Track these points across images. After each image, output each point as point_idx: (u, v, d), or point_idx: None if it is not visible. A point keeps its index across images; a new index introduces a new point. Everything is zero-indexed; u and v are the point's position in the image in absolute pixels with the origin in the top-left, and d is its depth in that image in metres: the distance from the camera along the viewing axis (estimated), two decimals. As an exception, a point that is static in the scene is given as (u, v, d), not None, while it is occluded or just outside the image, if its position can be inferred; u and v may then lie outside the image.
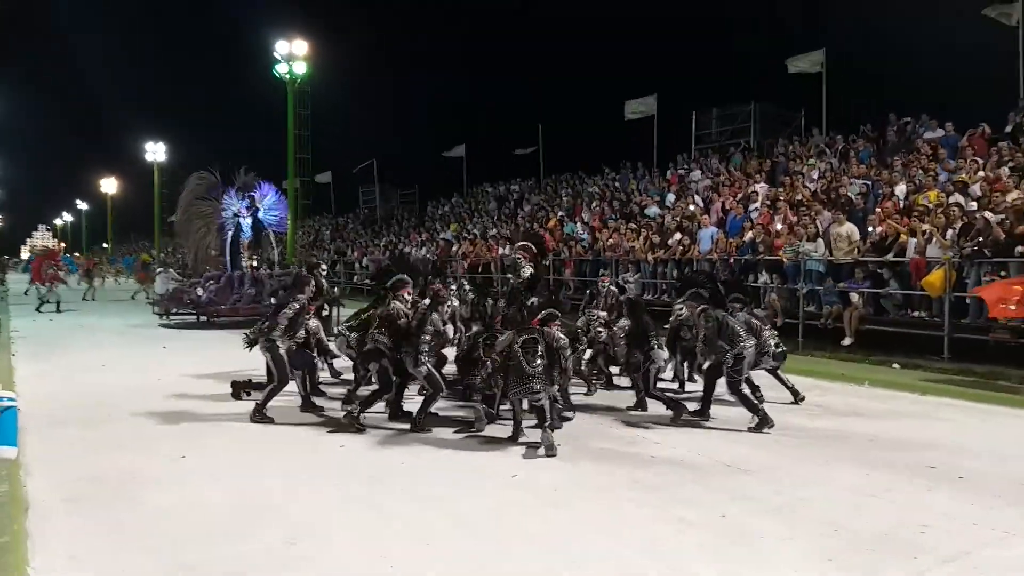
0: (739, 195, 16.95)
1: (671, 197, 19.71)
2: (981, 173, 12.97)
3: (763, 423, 7.05)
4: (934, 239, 10.86)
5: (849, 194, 14.11)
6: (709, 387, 7.60)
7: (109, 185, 57.14)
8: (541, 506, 5.10)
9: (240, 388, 8.62)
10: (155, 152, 46.66)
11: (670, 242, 15.74)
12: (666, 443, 6.69)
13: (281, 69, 32.57)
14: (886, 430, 7.20)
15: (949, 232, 10.88)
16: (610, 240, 17.45)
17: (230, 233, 18.36)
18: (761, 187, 16.79)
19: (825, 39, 21.49)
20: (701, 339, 7.63)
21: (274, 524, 4.75)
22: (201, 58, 47.87)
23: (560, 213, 22.63)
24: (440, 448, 6.55)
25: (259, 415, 7.47)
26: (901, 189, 13.67)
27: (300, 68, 32.37)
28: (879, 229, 11.88)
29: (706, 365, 7.70)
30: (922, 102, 18.13)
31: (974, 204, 11.16)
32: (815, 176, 16.58)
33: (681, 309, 8.56)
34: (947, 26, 19.34)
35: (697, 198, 18.23)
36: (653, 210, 19.04)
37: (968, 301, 10.59)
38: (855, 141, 17.85)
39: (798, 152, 18.79)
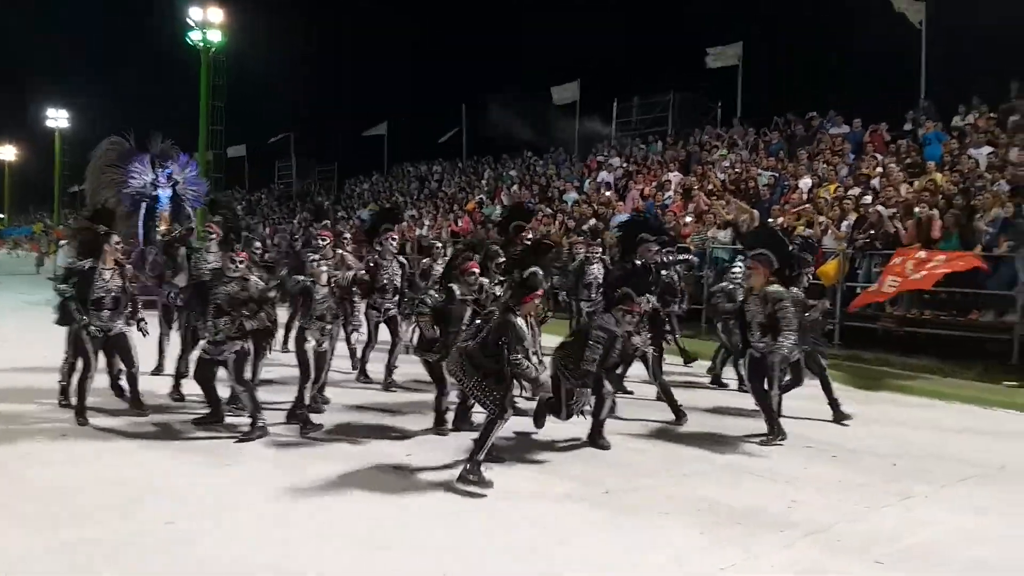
0: (654, 183, 17.32)
1: (588, 183, 19.98)
2: (879, 169, 13.61)
3: (773, 436, 6.28)
4: (829, 230, 11.34)
5: (757, 185, 14.61)
6: (762, 396, 6.40)
7: (6, 152, 54.01)
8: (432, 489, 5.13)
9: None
10: (57, 119, 44.36)
11: (584, 227, 15.95)
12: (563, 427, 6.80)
13: (195, 37, 31.37)
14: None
15: (844, 224, 11.38)
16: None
17: (144, 204, 17.40)
18: (675, 175, 17.18)
19: (744, 33, 21.99)
20: (743, 319, 6.52)
21: (156, 504, 4.63)
22: (109, 22, 45.59)
23: (480, 196, 22.62)
24: (339, 433, 6.48)
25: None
26: (806, 182, 14.21)
27: (215, 36, 31.25)
28: (780, 220, 12.33)
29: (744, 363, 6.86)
30: (832, 98, 18.83)
31: (867, 199, 11.68)
32: (726, 166, 17.07)
33: (736, 275, 7.71)
34: (859, 25, 20.09)
35: (611, 185, 18.51)
36: (571, 196, 19.25)
37: (859, 291, 11.13)
38: (766, 134, 18.43)
39: (712, 143, 19.29)
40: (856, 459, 5.98)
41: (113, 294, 6.56)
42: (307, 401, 6.48)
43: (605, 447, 5.99)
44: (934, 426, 7.37)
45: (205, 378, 6.30)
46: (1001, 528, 4.62)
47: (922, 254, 9.70)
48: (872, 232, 10.76)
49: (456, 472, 5.06)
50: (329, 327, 6.66)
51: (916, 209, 10.51)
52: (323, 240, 8.48)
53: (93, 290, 6.45)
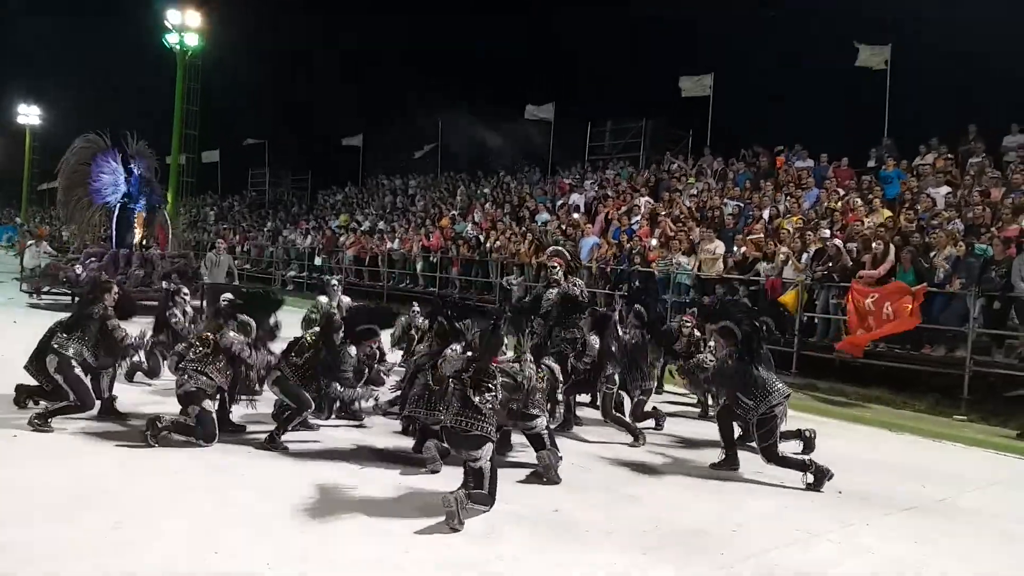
0: (623, 207, 17.54)
1: (560, 204, 20.17)
2: (839, 203, 13.94)
3: (820, 478, 6.08)
4: (790, 261, 11.58)
5: (723, 214, 14.88)
6: (727, 430, 6.57)
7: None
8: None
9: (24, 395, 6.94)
10: (28, 115, 43.71)
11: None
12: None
13: (172, 40, 31.21)
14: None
15: (804, 256, 11.64)
16: (497, 242, 17.67)
17: (118, 205, 16.61)
18: (644, 200, 17.42)
19: (715, 64, 22.43)
20: (718, 380, 6.88)
21: (103, 508, 4.61)
22: (84, 20, 45.01)
23: (452, 212, 22.70)
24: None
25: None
26: (768, 213, 14.50)
27: (192, 40, 31.12)
28: (742, 249, 12.57)
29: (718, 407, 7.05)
30: (798, 132, 19.27)
31: (827, 232, 11.97)
32: (694, 194, 17.34)
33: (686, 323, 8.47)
34: (826, 62, 20.65)
35: (581, 207, 18.72)
36: (543, 216, 19.40)
37: (816, 321, 11.40)
38: (734, 164, 18.77)
39: (682, 170, 19.60)
40: (802, 487, 6.10)
41: None
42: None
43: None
44: (883, 456, 7.57)
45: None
46: (935, 559, 4.75)
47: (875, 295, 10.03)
48: (830, 264, 11.02)
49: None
50: None
51: (873, 244, 10.79)
52: None
53: None
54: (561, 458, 5.82)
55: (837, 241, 11.29)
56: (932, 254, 10.38)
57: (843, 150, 17.09)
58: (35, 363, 6.45)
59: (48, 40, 39.42)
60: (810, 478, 6.08)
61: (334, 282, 6.39)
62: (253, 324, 6.30)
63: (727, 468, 6.41)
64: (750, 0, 24.31)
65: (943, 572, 4.58)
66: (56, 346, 6.25)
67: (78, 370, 6.29)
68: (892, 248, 10.65)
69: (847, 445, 7.86)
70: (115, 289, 6.68)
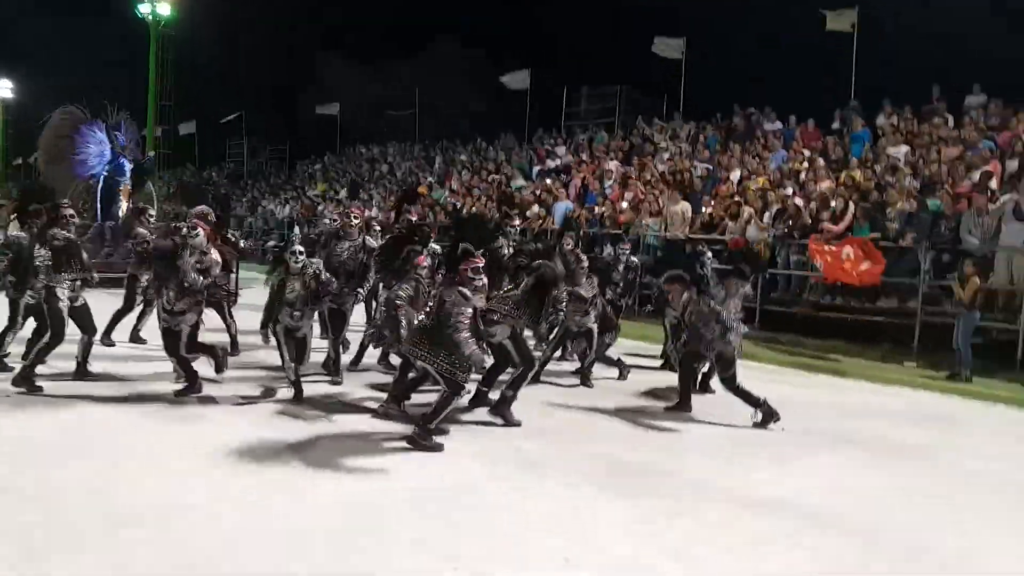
0: (596, 172, 17.86)
1: (536, 170, 20.45)
2: (806, 164, 14.31)
3: (768, 418, 6.52)
4: (753, 221, 11.99)
5: (692, 177, 15.23)
6: (686, 377, 7.09)
7: (-55, 120, 52.16)
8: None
9: None
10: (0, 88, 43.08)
11: (528, 214, 16.42)
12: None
13: (144, 9, 30.92)
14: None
15: (767, 215, 12.04)
16: (473, 208, 17.95)
17: (103, 176, 16.30)
18: (615, 165, 17.74)
19: (687, 28, 22.64)
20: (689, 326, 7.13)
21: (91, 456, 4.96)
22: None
23: (430, 179, 22.92)
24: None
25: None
26: (736, 175, 14.87)
27: (165, 10, 30.84)
28: (708, 210, 12.96)
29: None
30: (769, 95, 19.60)
31: (788, 191, 12.37)
32: (666, 158, 17.67)
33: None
34: (796, 26, 20.92)
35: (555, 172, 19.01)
36: (519, 182, 19.68)
37: (779, 278, 11.84)
38: (705, 128, 19.09)
39: (655, 135, 19.90)
40: (751, 429, 6.53)
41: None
42: (291, 378, 6.65)
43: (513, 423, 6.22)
44: (832, 400, 8.00)
45: (174, 349, 6.53)
46: (855, 486, 5.18)
47: (832, 247, 10.42)
48: (790, 222, 11.43)
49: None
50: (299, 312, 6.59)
51: (832, 203, 11.21)
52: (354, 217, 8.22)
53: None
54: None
55: (797, 200, 11.70)
56: (887, 210, 10.80)
57: (813, 112, 17.48)
58: None
59: (17, 12, 38.77)
60: (759, 416, 6.52)
61: (297, 248, 6.46)
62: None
63: (680, 410, 6.85)
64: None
65: (866, 487, 5.05)
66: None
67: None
68: (851, 205, 11.06)
69: (802, 391, 8.30)
70: None
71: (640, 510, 4.44)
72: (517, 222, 14.42)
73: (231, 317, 8.51)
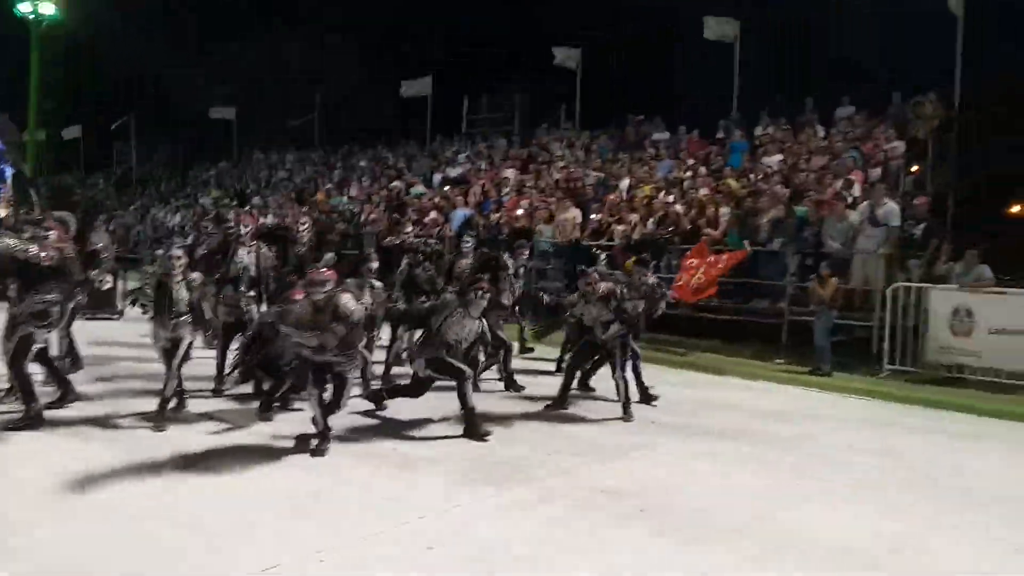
0: (495, 180, 18.18)
1: (437, 177, 20.61)
2: (689, 172, 15.02)
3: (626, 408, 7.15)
4: (638, 227, 12.53)
5: (584, 184, 15.74)
6: (570, 376, 7.53)
7: None
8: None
9: None
10: None
11: (426, 220, 16.55)
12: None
13: (24, 8, 29.46)
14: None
15: (650, 221, 12.60)
16: (372, 215, 17.96)
17: None
18: (512, 173, 18.12)
19: (584, 38, 23.28)
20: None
21: None
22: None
23: (328, 185, 22.74)
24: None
25: None
26: (625, 183, 15.46)
27: (48, 9, 29.47)
28: (597, 217, 13.45)
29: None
30: (659, 106, 20.42)
31: (670, 199, 12.99)
32: (561, 166, 18.15)
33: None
34: (684, 37, 21.81)
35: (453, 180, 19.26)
36: (418, 189, 19.79)
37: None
38: (598, 136, 19.73)
39: (550, 143, 20.40)
40: (622, 423, 6.93)
41: None
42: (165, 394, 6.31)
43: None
44: (704, 396, 8.51)
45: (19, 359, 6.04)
46: (706, 473, 5.63)
47: (710, 258, 11.04)
48: (672, 228, 12.02)
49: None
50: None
51: (707, 209, 11.86)
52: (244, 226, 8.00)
53: None
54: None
55: (677, 207, 12.31)
56: (760, 216, 11.51)
57: (700, 123, 18.35)
58: None
59: None
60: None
61: (177, 253, 6.31)
62: None
63: (557, 408, 7.17)
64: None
65: (726, 474, 5.50)
66: None
67: None
68: (725, 212, 11.74)
69: (680, 390, 8.75)
70: None
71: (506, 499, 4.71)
72: (409, 229, 14.59)
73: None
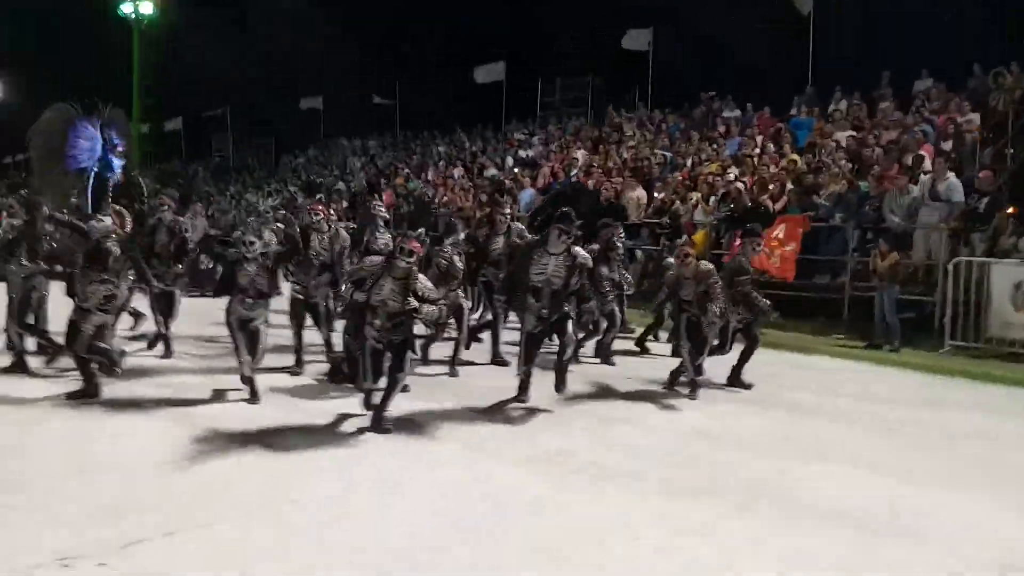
0: (564, 161, 18.53)
1: (510, 160, 21.12)
2: (757, 150, 14.99)
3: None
4: (699, 205, 12.69)
5: (651, 164, 15.92)
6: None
7: (-68, 120, 52.44)
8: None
9: None
10: (-13, 88, 43.47)
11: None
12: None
13: (126, 9, 31.39)
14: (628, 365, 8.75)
15: (712, 200, 12.74)
16: (445, 198, 18.62)
17: (94, 170, 16.89)
18: (581, 154, 18.42)
19: (653, 19, 23.25)
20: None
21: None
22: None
23: (406, 170, 23.57)
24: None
25: None
26: (691, 161, 15.56)
27: (147, 9, 31.34)
28: (661, 195, 13.66)
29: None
30: (729, 84, 20.27)
31: (731, 176, 13.07)
32: (631, 146, 18.34)
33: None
34: (757, 14, 21.51)
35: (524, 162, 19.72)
36: (492, 172, 20.35)
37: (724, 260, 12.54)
38: (669, 116, 19.78)
39: (622, 124, 20.57)
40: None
41: None
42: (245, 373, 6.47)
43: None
44: (762, 370, 8.26)
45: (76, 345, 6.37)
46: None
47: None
48: (732, 206, 12.13)
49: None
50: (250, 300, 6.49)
51: (770, 186, 11.92)
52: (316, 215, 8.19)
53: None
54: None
55: (739, 184, 12.40)
56: (821, 192, 11.51)
57: (771, 99, 18.17)
58: None
59: (1, 14, 39.04)
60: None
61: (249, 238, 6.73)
62: None
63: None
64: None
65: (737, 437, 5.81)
66: None
67: None
68: (787, 188, 11.78)
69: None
70: None
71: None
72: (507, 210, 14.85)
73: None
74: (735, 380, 7.60)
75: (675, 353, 8.09)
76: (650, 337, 9.67)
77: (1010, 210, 9.65)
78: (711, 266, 7.40)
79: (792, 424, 6.45)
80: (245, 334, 6.44)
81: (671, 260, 8.41)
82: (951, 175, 10.37)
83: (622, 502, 4.50)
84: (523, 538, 3.97)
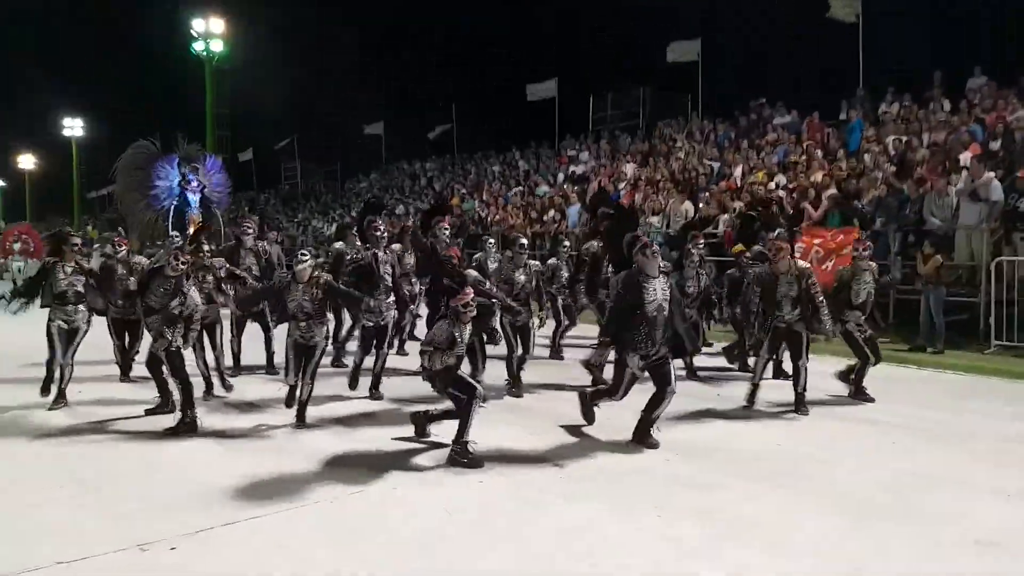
0: (612, 175, 18.90)
1: (560, 177, 21.59)
2: (804, 156, 15.05)
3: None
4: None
5: (698, 174, 16.14)
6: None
7: (26, 161, 56.15)
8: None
9: None
10: (72, 127, 46.38)
11: (545, 218, 17.57)
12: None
13: (198, 47, 33.11)
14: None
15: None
16: (497, 216, 19.20)
17: (172, 206, 17.17)
18: (631, 167, 18.75)
19: (701, 29, 23.47)
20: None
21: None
22: (114, 34, 47.01)
23: (462, 190, 24.28)
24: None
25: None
26: (739, 170, 15.72)
27: (217, 47, 32.97)
28: (703, 205, 13.90)
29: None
30: (779, 90, 20.30)
31: (772, 185, 13.21)
32: (680, 157, 18.57)
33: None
34: (804, 19, 21.48)
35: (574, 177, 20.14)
36: (543, 189, 20.85)
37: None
38: (716, 126, 19.92)
39: (671, 135, 20.81)
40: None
41: (76, 289, 7.25)
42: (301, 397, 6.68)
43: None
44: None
45: (155, 367, 6.69)
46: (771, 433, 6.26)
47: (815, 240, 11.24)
48: (771, 212, 12.30)
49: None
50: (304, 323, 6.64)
51: (809, 192, 12.05)
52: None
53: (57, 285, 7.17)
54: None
55: (780, 192, 12.55)
56: (860, 197, 11.59)
57: (822, 104, 18.15)
58: None
59: (84, 55, 41.77)
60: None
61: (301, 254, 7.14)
62: None
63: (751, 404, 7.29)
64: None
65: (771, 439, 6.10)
66: None
67: None
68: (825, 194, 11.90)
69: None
70: None
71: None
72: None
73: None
74: (858, 390, 7.58)
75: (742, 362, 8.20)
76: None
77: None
78: (807, 265, 7.37)
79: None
80: (301, 355, 6.64)
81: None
82: (990, 174, 10.33)
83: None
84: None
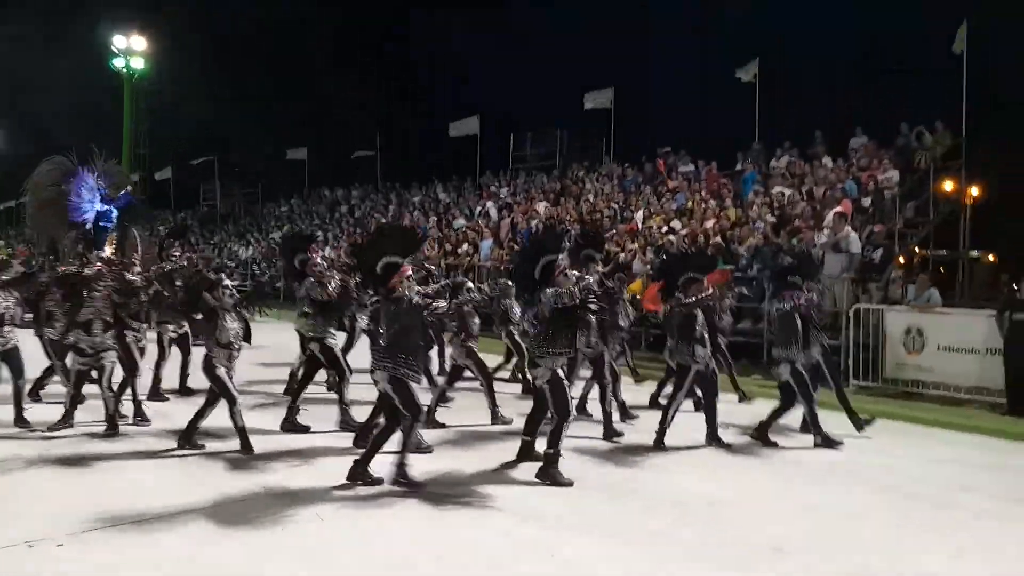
0: (526, 213, 19.69)
1: (477, 211, 22.28)
2: (699, 205, 16.14)
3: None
4: (637, 256, 13.79)
5: (602, 216, 17.06)
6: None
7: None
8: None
9: None
10: (-18, 138, 44.62)
11: (459, 251, 18.19)
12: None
13: (118, 63, 32.70)
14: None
15: (649, 251, 13.85)
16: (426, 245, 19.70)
17: (89, 223, 17.39)
18: (543, 206, 19.59)
19: (616, 78, 24.76)
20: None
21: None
22: (31, 47, 45.64)
23: (382, 220, 24.66)
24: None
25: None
26: (640, 214, 16.72)
27: (138, 64, 32.64)
28: (607, 246, 14.74)
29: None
30: (684, 140, 21.67)
31: (664, 229, 14.20)
32: (589, 200, 19.52)
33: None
34: (709, 77, 23.04)
35: (492, 212, 20.85)
36: (459, 222, 21.49)
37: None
38: (625, 171, 21.03)
39: (585, 178, 21.81)
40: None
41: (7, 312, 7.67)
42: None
43: None
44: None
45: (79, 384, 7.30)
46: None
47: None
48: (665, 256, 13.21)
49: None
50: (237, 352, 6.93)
51: (698, 238, 13.04)
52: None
53: None
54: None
55: (672, 237, 13.52)
56: (741, 244, 12.64)
57: (720, 155, 19.47)
58: None
59: (-2, 62, 40.49)
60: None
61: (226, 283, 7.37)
62: None
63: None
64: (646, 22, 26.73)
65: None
66: None
67: None
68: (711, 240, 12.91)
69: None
70: None
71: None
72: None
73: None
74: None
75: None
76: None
77: (901, 259, 10.74)
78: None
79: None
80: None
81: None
82: (848, 229, 11.48)
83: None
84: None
